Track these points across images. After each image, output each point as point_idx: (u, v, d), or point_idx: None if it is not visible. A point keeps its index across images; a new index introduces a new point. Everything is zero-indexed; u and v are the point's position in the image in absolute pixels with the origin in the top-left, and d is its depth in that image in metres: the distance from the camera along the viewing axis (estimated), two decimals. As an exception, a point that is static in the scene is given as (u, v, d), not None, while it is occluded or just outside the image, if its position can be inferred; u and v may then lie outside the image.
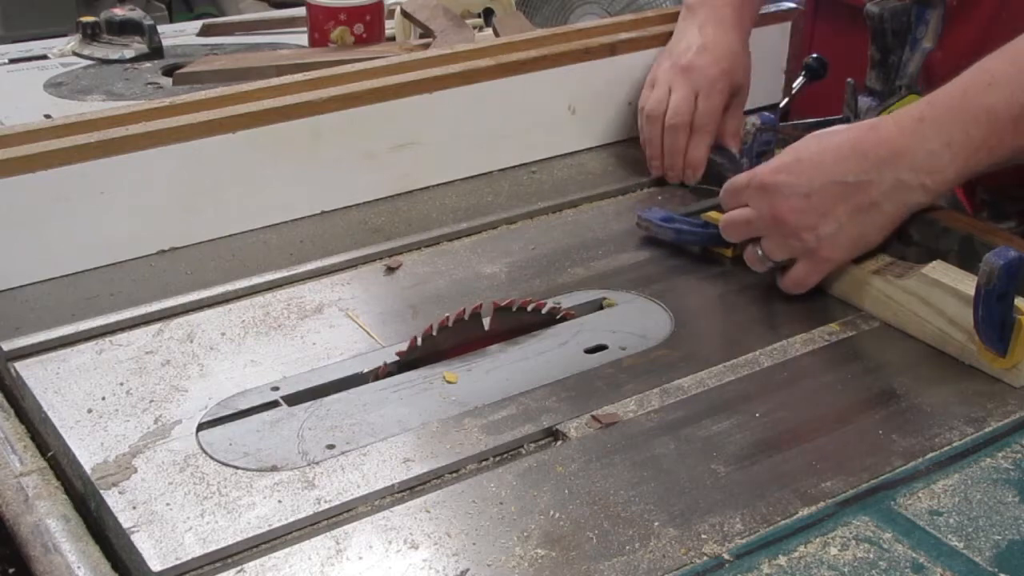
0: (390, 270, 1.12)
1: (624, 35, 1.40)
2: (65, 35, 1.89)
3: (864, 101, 1.14)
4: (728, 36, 1.29)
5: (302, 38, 1.78)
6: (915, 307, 0.99)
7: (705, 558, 0.74)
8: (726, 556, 0.74)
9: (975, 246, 1.01)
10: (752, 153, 1.08)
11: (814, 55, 1.41)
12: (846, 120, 1.17)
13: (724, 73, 1.26)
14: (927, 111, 0.98)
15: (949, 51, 1.18)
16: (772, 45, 1.51)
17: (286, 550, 0.75)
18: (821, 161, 1.00)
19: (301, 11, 1.79)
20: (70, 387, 0.93)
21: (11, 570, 0.83)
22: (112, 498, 0.80)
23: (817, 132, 1.03)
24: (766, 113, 1.09)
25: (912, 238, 1.03)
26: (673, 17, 1.41)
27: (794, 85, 1.43)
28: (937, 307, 0.97)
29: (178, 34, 1.94)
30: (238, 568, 0.74)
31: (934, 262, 0.99)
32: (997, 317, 0.90)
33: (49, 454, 0.89)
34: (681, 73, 1.27)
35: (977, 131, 0.95)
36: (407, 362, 0.96)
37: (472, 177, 1.32)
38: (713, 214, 1.15)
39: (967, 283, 0.94)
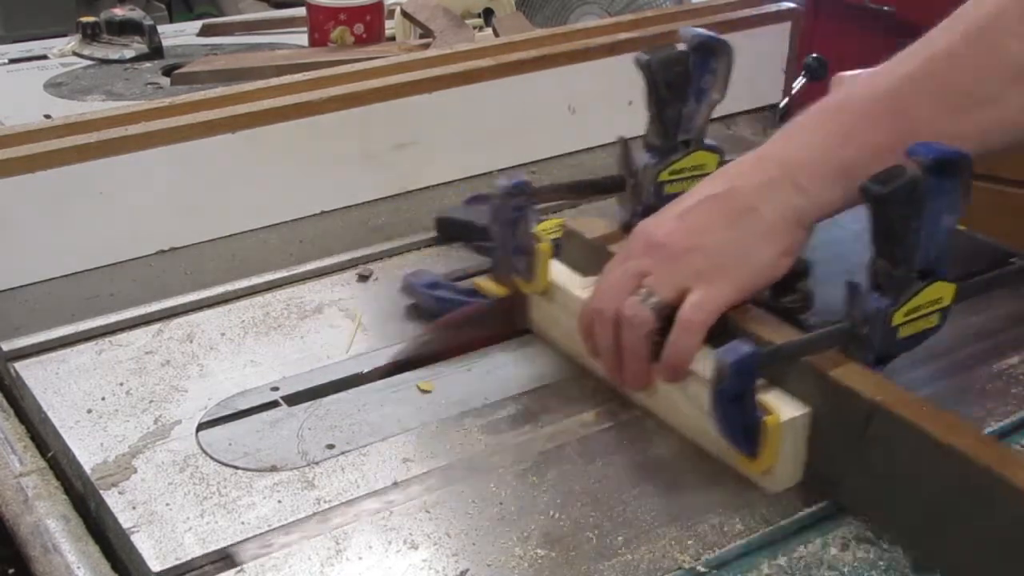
0: (362, 278, 1.11)
1: (624, 35, 1.40)
2: (65, 35, 1.89)
3: (642, 158, 0.98)
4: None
5: (302, 38, 1.78)
6: (674, 396, 0.86)
7: (704, 559, 0.74)
8: (726, 556, 0.74)
9: (732, 331, 0.83)
10: (503, 220, 0.94)
11: (814, 55, 1.41)
12: (619, 180, 1.01)
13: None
14: (794, 121, 0.88)
15: None
16: (772, 45, 1.51)
17: (286, 550, 0.75)
18: (689, 192, 0.89)
19: (301, 11, 1.79)
20: (70, 387, 0.93)
21: (11, 570, 0.83)
22: (112, 498, 0.80)
23: None
24: (519, 176, 0.95)
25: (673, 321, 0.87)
26: (673, 17, 1.41)
27: (794, 85, 1.43)
28: (694, 398, 0.83)
29: (178, 34, 1.94)
30: (238, 568, 0.74)
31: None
32: (737, 419, 0.78)
33: (49, 454, 0.89)
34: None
35: (842, 119, 0.84)
36: (406, 363, 0.96)
37: (472, 177, 1.32)
38: (481, 281, 1.04)
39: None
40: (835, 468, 0.79)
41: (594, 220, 1.01)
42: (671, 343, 0.83)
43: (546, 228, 1.06)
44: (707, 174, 0.94)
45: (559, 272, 0.96)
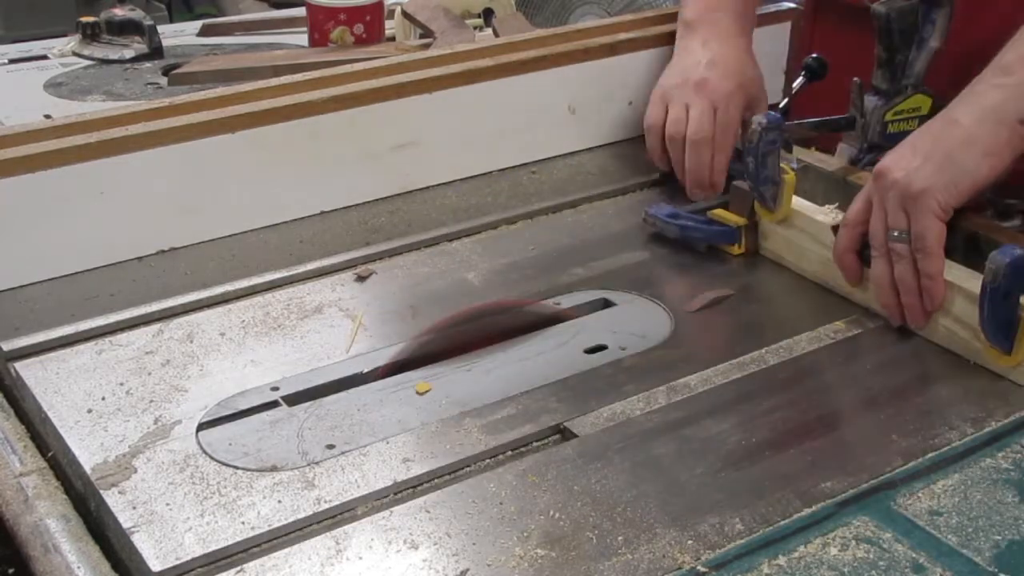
0: (361, 279, 1.11)
1: (624, 35, 1.40)
2: (65, 35, 1.89)
3: (871, 100, 1.15)
4: (735, 49, 1.28)
5: (302, 38, 1.78)
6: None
7: (705, 558, 0.74)
8: (726, 556, 0.74)
9: (980, 244, 1.01)
10: (757, 153, 1.08)
11: (814, 55, 1.40)
12: (851, 120, 1.18)
13: (739, 87, 1.25)
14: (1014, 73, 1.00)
15: (964, 50, 1.17)
16: (772, 45, 1.51)
17: (286, 550, 0.75)
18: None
19: (301, 11, 1.79)
20: (70, 387, 0.93)
21: (11, 570, 0.83)
22: (112, 498, 0.80)
23: None
24: (772, 112, 1.08)
25: None
26: (673, 17, 1.41)
27: (794, 85, 1.43)
28: (943, 305, 0.97)
29: (178, 34, 1.94)
30: (238, 568, 0.74)
31: None
32: (1003, 315, 0.91)
33: (49, 454, 0.89)
34: (695, 89, 1.25)
35: None
36: (406, 363, 0.96)
37: (472, 177, 1.32)
38: (719, 211, 1.16)
39: (973, 281, 0.95)
40: None
41: (822, 156, 1.24)
42: (920, 270, 0.97)
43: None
44: (923, 116, 1.17)
45: (797, 201, 1.11)
